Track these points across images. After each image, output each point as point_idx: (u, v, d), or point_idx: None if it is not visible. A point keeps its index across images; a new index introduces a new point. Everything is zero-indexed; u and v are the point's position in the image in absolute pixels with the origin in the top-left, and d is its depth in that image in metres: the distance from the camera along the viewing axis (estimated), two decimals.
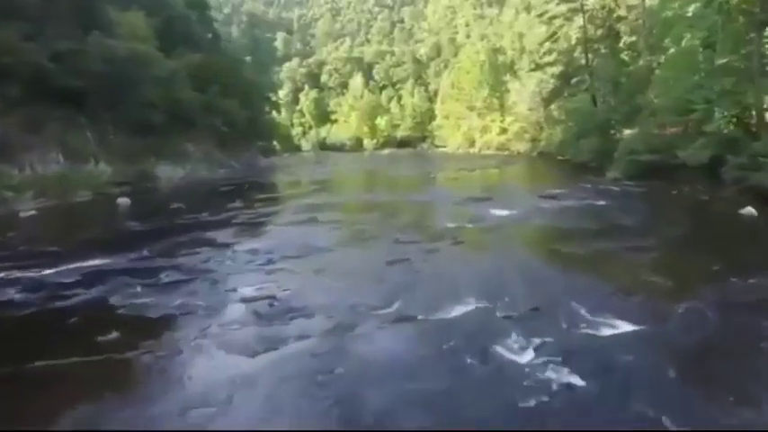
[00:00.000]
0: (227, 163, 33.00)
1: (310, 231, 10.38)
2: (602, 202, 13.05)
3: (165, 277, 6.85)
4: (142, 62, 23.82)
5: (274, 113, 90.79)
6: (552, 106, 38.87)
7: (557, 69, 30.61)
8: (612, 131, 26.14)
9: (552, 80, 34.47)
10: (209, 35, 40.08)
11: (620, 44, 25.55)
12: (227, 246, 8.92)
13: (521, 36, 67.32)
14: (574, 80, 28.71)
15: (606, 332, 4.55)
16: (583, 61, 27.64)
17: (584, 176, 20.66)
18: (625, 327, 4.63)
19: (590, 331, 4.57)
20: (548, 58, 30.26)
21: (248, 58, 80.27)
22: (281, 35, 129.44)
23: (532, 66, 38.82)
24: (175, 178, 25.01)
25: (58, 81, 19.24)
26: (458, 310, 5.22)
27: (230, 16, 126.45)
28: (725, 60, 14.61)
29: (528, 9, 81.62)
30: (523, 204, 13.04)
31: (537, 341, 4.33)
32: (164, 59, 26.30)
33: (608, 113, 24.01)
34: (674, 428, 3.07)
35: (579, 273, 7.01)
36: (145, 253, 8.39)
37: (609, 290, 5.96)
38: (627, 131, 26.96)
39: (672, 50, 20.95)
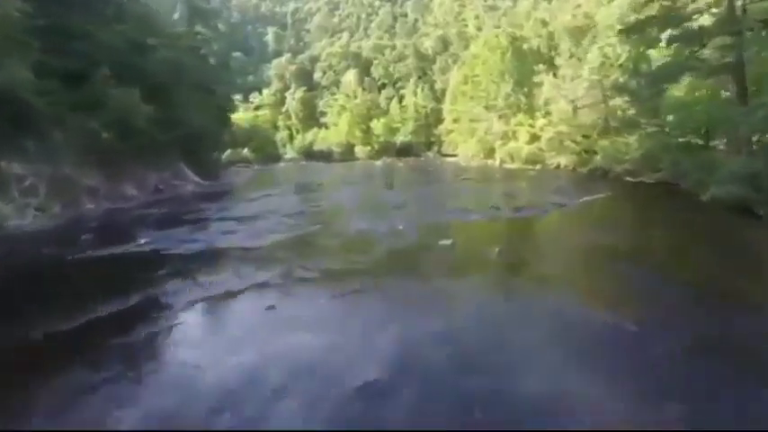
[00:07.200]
0: (115, 192, 20.59)
1: None
2: None
3: None
4: None
5: (255, 115, 79.07)
6: (618, 101, 26.56)
7: (652, 35, 18.00)
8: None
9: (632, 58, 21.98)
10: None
11: None
12: None
13: (544, 23, 55.11)
14: (694, 51, 16.18)
15: None
16: (715, 16, 15.10)
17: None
18: None
19: None
20: (644, 13, 17.27)
21: (236, 54, 68.70)
22: (272, 30, 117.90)
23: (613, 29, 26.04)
24: None
25: None
26: None
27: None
28: None
29: None
30: None
31: None
32: None
33: None
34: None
35: None
36: None
37: None
38: None
39: None
